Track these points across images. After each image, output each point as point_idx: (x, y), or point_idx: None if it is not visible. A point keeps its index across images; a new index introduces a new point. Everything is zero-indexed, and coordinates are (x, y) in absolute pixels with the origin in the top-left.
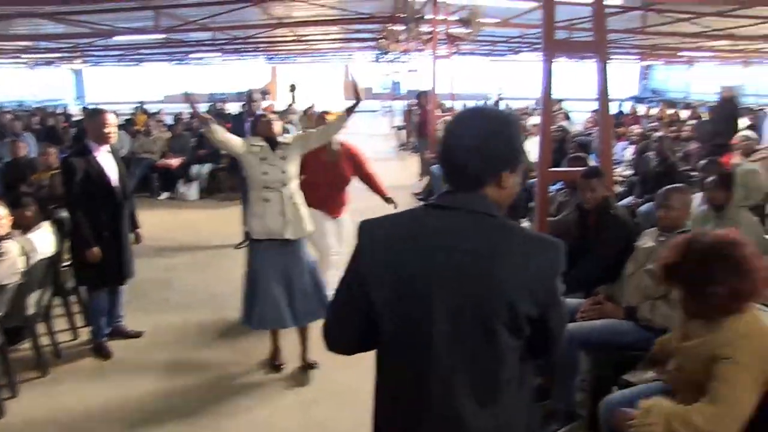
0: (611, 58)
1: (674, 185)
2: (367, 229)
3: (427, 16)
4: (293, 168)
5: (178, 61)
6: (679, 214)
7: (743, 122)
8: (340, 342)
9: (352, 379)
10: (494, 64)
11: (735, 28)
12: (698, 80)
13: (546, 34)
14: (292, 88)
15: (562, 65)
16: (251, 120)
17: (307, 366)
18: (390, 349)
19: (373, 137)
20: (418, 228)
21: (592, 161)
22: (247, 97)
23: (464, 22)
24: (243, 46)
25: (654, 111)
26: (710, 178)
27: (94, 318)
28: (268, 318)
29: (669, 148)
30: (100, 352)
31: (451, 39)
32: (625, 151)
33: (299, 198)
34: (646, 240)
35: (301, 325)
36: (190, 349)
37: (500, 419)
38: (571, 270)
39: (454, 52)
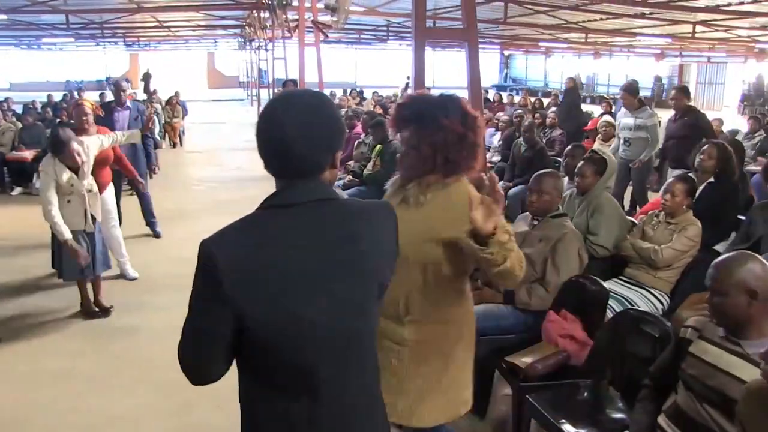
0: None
1: (546, 170)
2: (216, 249)
3: (294, 3)
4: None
5: (26, 46)
6: (552, 198)
7: (595, 109)
8: (211, 374)
9: None
10: (360, 52)
11: (587, 21)
12: (554, 70)
13: (416, 22)
14: (146, 76)
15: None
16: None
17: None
18: (269, 359)
19: (245, 126)
20: (278, 235)
21: None
22: (115, 87)
23: (331, 9)
24: (100, 31)
25: (516, 99)
26: (581, 164)
27: None
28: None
29: (537, 135)
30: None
31: (318, 27)
32: (494, 138)
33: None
34: (520, 224)
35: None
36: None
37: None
38: None
39: (322, 40)
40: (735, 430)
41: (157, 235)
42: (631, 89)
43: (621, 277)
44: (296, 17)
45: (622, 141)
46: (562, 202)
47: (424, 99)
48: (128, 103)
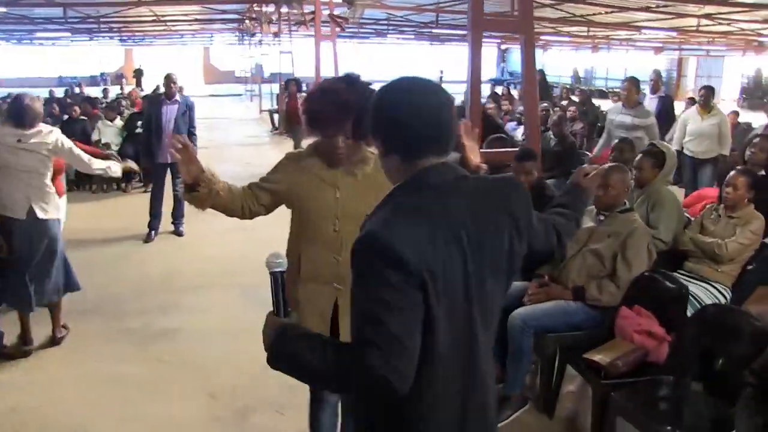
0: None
1: (613, 164)
2: (394, 239)
3: None
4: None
5: (17, 41)
6: (618, 192)
7: (604, 103)
8: (411, 372)
9: None
10: (357, 46)
11: (592, 15)
12: (551, 64)
13: (473, 13)
14: (138, 72)
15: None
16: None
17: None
18: (436, 350)
19: (244, 121)
20: (443, 212)
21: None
22: (166, 80)
23: (348, 2)
24: (97, 25)
25: (514, 92)
26: (639, 156)
27: None
28: None
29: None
30: None
31: (335, 20)
32: (517, 131)
33: None
34: (585, 220)
35: None
36: None
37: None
38: None
39: (338, 34)
40: None
41: (180, 234)
42: (635, 82)
43: (681, 271)
44: (310, 11)
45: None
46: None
47: None
48: (177, 97)
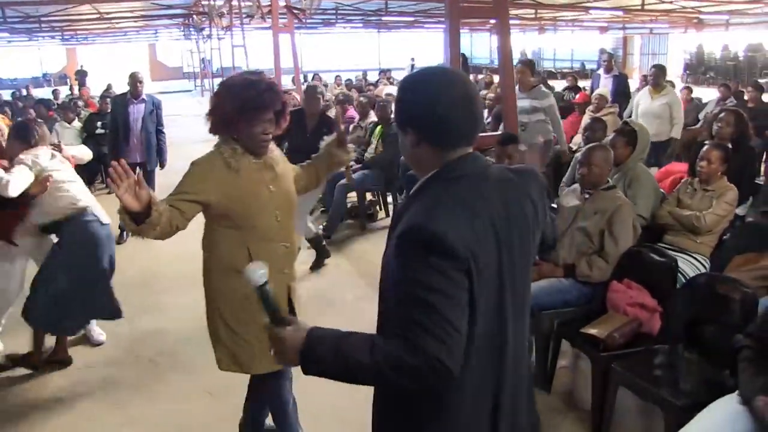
0: (424, 28)
1: (595, 144)
2: (440, 228)
3: None
4: None
5: None
6: (601, 170)
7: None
8: (462, 356)
9: None
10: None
11: None
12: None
13: (451, 4)
14: (80, 73)
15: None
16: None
17: None
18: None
19: (199, 117)
20: (479, 200)
21: None
22: (131, 79)
23: None
24: (38, 25)
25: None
26: (611, 136)
27: None
28: None
29: None
30: None
31: (292, 12)
32: (501, 119)
33: None
34: (570, 198)
35: None
36: None
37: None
38: None
39: (296, 26)
40: None
41: None
42: (530, 64)
43: (660, 244)
44: (269, 3)
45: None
46: None
47: None
48: (144, 96)
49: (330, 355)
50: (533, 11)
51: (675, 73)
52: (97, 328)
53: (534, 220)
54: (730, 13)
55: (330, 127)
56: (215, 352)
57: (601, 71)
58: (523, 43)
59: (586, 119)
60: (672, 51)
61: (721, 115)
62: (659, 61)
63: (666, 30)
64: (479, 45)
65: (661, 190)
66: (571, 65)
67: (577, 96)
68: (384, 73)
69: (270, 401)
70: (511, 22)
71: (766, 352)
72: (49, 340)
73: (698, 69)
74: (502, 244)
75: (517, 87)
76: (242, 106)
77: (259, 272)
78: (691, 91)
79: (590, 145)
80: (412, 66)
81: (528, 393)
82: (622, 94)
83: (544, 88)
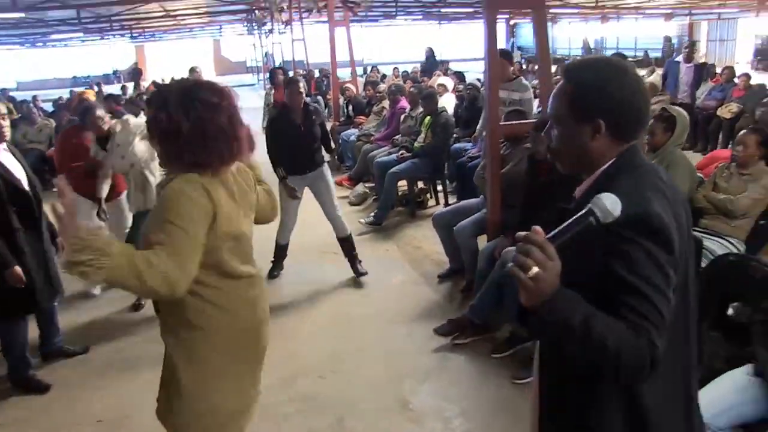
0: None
1: None
2: (661, 213)
3: None
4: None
5: (30, 44)
6: None
7: None
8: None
9: None
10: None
11: None
12: (561, 37)
13: None
14: (134, 72)
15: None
16: None
17: None
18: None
19: (259, 110)
20: (666, 190)
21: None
22: (191, 74)
23: None
24: (109, 24)
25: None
26: (651, 121)
27: (12, 350)
28: None
29: None
30: (30, 386)
31: (347, 5)
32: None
33: None
34: None
35: None
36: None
37: None
38: (529, 218)
39: (352, 19)
40: None
41: None
42: (507, 56)
43: (696, 228)
44: None
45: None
46: None
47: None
48: None
49: (575, 317)
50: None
51: (745, 59)
52: None
53: (687, 225)
54: None
55: (318, 116)
56: None
57: (680, 59)
58: (585, 32)
59: None
60: (741, 36)
61: (765, 100)
62: (727, 47)
63: (735, 14)
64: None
65: (699, 175)
66: (634, 54)
67: None
68: (442, 64)
69: None
70: (572, 11)
71: None
72: None
73: None
74: (683, 234)
75: None
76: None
77: (613, 209)
78: (749, 77)
79: None
80: (427, 57)
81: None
82: (698, 84)
83: (523, 81)
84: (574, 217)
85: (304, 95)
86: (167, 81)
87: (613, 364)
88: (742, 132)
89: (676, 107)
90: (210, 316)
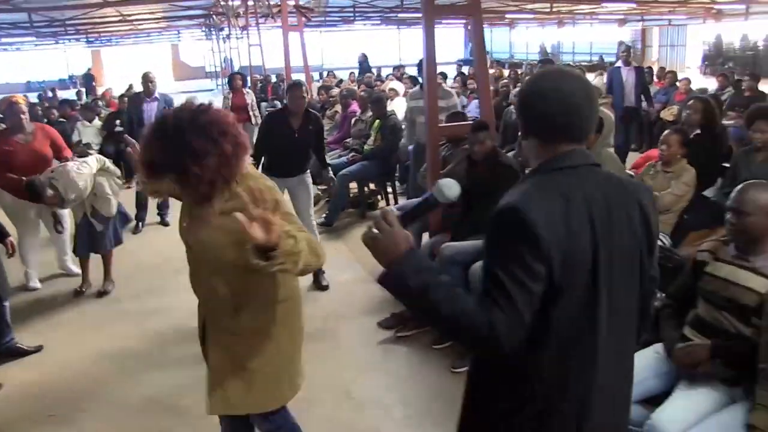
0: (442, 24)
1: None
2: (530, 211)
3: None
4: None
5: None
6: None
7: None
8: (519, 341)
9: None
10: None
11: None
12: (519, 42)
13: (426, 2)
14: (86, 77)
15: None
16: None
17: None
18: (558, 322)
19: None
20: (578, 193)
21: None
22: (144, 78)
23: None
24: (63, 29)
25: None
26: None
27: None
28: None
29: None
30: None
31: (301, 11)
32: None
33: None
34: None
35: None
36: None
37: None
38: (467, 216)
39: (306, 24)
40: (749, 330)
41: (165, 224)
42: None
43: None
44: (278, 2)
45: (424, 126)
46: None
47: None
48: (156, 95)
49: (417, 280)
50: (548, 5)
51: (695, 64)
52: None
53: (643, 228)
54: (749, 1)
55: (316, 124)
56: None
57: (620, 63)
58: (542, 37)
59: None
60: (690, 42)
61: (690, 102)
62: (678, 52)
63: (684, 21)
64: (499, 40)
65: (631, 173)
66: (590, 58)
67: None
68: (398, 69)
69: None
70: (529, 16)
71: (682, 310)
72: None
73: (717, 59)
74: (599, 241)
75: (419, 86)
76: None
77: (450, 190)
78: (689, 81)
79: None
80: (360, 63)
81: (624, 409)
82: (642, 86)
83: (446, 87)
84: (422, 197)
85: (306, 100)
86: (126, 87)
87: (447, 330)
88: (665, 132)
89: (602, 109)
90: (293, 286)
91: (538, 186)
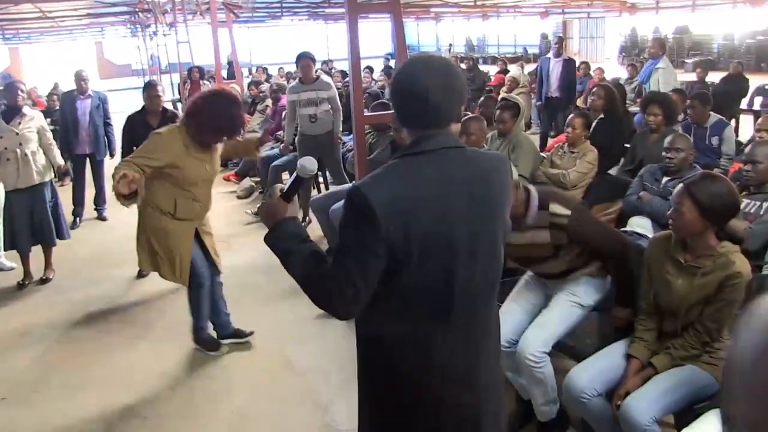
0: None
1: (471, 115)
2: (370, 193)
3: None
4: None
5: None
6: (477, 138)
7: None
8: (359, 307)
9: None
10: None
11: None
12: (445, 34)
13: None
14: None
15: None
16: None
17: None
18: (411, 293)
19: None
20: (421, 176)
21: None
22: (76, 77)
23: None
24: None
25: None
26: (498, 112)
27: None
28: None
29: None
30: None
31: (229, 7)
32: None
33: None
34: None
35: None
36: None
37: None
38: None
39: (236, 20)
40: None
41: (103, 219)
42: (313, 58)
43: None
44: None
45: (307, 118)
46: (487, 142)
47: None
48: (90, 92)
49: (281, 244)
50: None
51: (613, 55)
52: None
53: (501, 198)
54: None
55: (172, 121)
56: (138, 256)
57: (550, 55)
58: (467, 30)
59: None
60: (608, 34)
61: (594, 89)
62: (597, 44)
63: (602, 14)
64: (425, 33)
65: (543, 155)
66: (514, 50)
67: (493, 79)
68: (326, 63)
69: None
70: (453, 9)
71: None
72: None
73: (632, 50)
74: (454, 216)
75: (298, 80)
76: (217, 129)
77: (310, 167)
78: (602, 71)
79: (468, 116)
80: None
81: (494, 377)
82: (569, 77)
83: (325, 79)
84: (292, 176)
85: (161, 99)
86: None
87: (304, 290)
88: (570, 116)
89: (514, 96)
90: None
91: (391, 169)
